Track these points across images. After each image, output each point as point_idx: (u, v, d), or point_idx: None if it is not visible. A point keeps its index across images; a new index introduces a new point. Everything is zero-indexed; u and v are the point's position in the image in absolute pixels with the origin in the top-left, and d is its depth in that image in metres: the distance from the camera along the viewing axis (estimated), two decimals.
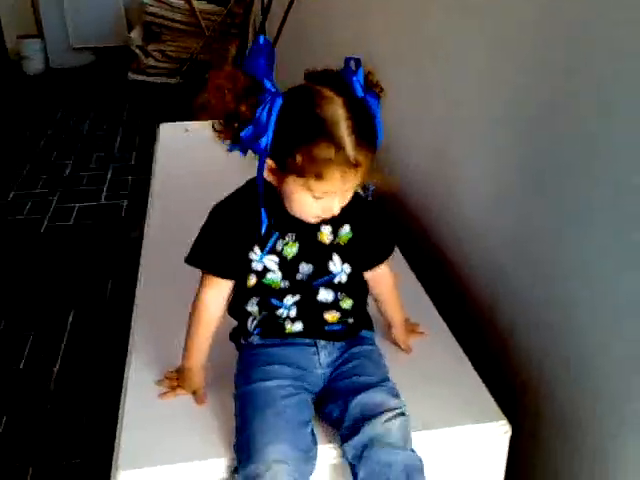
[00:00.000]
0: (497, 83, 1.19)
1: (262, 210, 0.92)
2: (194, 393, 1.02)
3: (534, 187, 1.11)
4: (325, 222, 0.96)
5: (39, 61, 5.11)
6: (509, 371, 1.22)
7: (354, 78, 0.87)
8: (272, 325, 1.00)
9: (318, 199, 0.89)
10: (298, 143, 0.85)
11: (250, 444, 0.87)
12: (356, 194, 0.98)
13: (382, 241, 1.07)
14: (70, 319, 2.21)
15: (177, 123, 2.25)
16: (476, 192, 1.35)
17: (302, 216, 0.92)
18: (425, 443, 0.94)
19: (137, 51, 4.79)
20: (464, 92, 1.35)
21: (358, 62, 0.89)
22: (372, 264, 1.06)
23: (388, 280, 1.09)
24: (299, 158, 0.85)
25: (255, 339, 1.01)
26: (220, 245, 0.96)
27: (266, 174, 0.90)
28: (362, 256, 1.02)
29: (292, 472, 0.86)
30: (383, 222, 1.07)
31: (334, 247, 0.99)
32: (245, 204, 0.95)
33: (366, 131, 0.87)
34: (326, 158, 0.84)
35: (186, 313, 0.99)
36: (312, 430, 0.93)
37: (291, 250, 0.96)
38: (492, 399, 1.02)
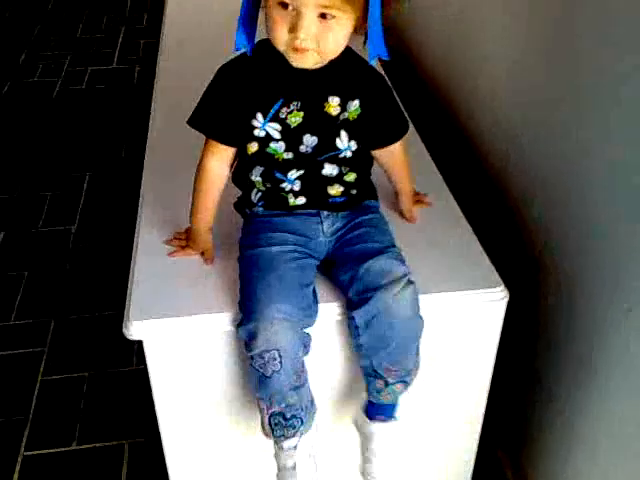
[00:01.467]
0: None
1: (240, 32, 0.90)
2: (202, 254, 1.06)
3: (549, 55, 1.08)
4: (333, 92, 0.93)
5: None
6: (515, 243, 1.24)
7: None
8: (275, 198, 1.00)
9: (285, 13, 0.84)
10: None
11: (252, 303, 0.91)
12: (368, 67, 0.95)
13: (394, 121, 1.03)
14: (86, 180, 2.26)
15: None
16: (492, 57, 1.31)
17: (276, 43, 0.87)
18: (424, 307, 0.96)
19: None
20: None
21: None
22: (382, 144, 1.04)
23: (399, 156, 1.08)
24: None
25: (259, 210, 1.02)
26: (222, 109, 0.94)
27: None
28: (371, 134, 1.00)
29: (291, 324, 0.90)
30: (395, 99, 1.02)
31: (342, 122, 0.96)
32: (251, 66, 0.93)
33: None
34: None
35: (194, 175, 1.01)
36: (314, 290, 0.96)
37: (295, 119, 0.94)
38: (492, 266, 1.04)
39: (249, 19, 0.90)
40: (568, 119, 1.04)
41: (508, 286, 1.02)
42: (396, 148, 1.06)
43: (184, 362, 0.99)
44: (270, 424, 0.94)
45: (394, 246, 1.01)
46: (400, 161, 1.08)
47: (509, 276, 1.06)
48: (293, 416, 0.94)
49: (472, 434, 1.19)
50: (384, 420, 1.00)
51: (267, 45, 0.89)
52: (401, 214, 1.14)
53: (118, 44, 3.23)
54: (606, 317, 0.98)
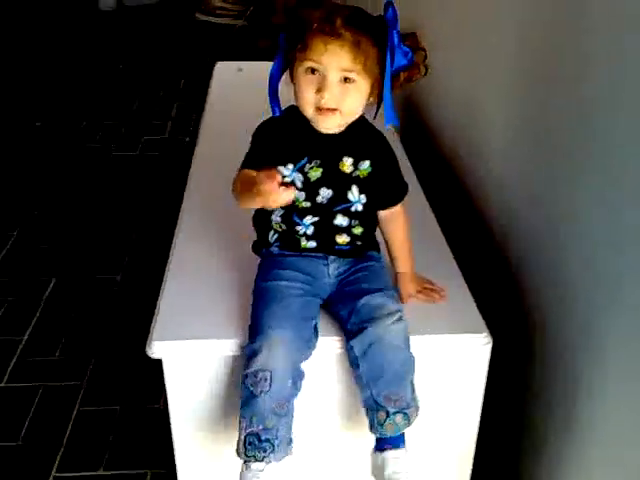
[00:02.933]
0: (524, 36, 1.29)
1: (272, 101, 1.08)
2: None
3: (544, 137, 1.21)
4: (347, 154, 1.10)
5: None
6: (507, 296, 1.36)
7: (394, 30, 1.01)
8: (290, 239, 1.14)
9: (313, 77, 1.01)
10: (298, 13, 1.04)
11: (259, 326, 1.05)
12: (377, 133, 1.12)
13: (397, 182, 1.17)
14: (132, 239, 2.46)
15: (232, 62, 2.42)
16: (496, 137, 1.46)
17: (305, 107, 1.04)
18: (413, 347, 1.08)
19: None
20: (492, 40, 1.46)
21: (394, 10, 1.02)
22: (386, 203, 1.17)
23: (400, 220, 1.19)
24: (293, 27, 1.02)
25: (274, 250, 1.16)
26: (258, 154, 1.10)
27: (285, 78, 1.06)
28: (378, 192, 1.14)
29: (289, 350, 1.03)
30: (398, 164, 1.17)
31: (354, 179, 1.11)
32: (282, 127, 1.10)
33: (367, 25, 1.00)
34: (309, 18, 1.00)
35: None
36: (315, 326, 1.10)
37: (315, 174, 1.09)
38: (479, 314, 1.16)
39: (277, 93, 1.09)
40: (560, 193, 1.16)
41: (497, 335, 1.13)
42: (399, 211, 1.19)
43: (197, 381, 1.14)
44: (245, 443, 1.01)
45: (390, 288, 1.15)
46: (401, 227, 1.20)
47: (498, 325, 1.17)
48: (267, 440, 1.01)
49: (462, 476, 1.28)
50: (393, 448, 1.06)
51: (295, 111, 1.08)
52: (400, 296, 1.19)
53: (171, 116, 3.52)
54: (585, 370, 1.07)
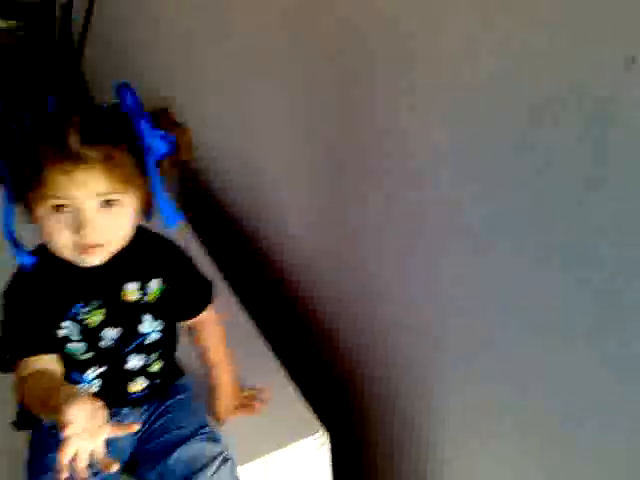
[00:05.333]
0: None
1: (17, 251, 0.84)
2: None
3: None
4: (130, 279, 0.90)
5: None
6: (332, 384, 1.28)
7: (140, 119, 0.81)
8: None
9: (63, 216, 0.80)
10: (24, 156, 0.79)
11: None
12: (167, 242, 0.95)
13: (199, 289, 0.99)
14: None
15: None
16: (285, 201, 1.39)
17: (62, 251, 0.83)
18: (256, 471, 0.96)
19: None
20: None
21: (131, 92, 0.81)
22: (190, 313, 0.99)
23: (212, 326, 1.01)
24: (25, 171, 0.79)
25: (47, 422, 0.88)
26: (21, 328, 0.86)
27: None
28: (178, 309, 0.96)
29: None
30: (196, 269, 0.99)
31: (143, 306, 0.91)
32: (36, 279, 0.88)
33: (109, 128, 0.80)
34: (42, 158, 0.77)
35: None
36: None
37: (95, 318, 0.89)
38: (309, 412, 1.06)
39: (17, 239, 0.85)
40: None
41: (332, 426, 1.04)
42: (207, 316, 1.01)
43: None
44: None
45: (206, 426, 0.96)
46: (214, 333, 1.02)
47: (331, 414, 1.09)
48: None
49: None
50: None
51: (46, 251, 0.86)
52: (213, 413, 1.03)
53: None
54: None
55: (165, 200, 0.85)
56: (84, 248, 0.82)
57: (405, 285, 1.02)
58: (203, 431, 0.94)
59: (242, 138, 1.57)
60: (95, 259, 0.85)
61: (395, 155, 0.95)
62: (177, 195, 0.91)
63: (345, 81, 1.02)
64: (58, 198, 0.79)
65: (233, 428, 1.00)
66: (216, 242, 1.60)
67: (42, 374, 0.82)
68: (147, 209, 0.88)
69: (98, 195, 0.80)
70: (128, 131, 0.81)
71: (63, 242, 0.82)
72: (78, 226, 0.80)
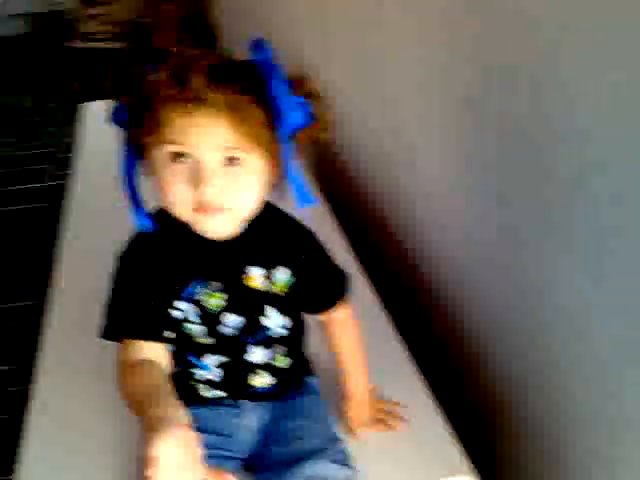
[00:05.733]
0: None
1: (137, 212, 0.75)
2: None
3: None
4: (253, 262, 0.80)
5: None
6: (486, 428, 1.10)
7: (275, 80, 0.70)
8: (183, 386, 0.80)
9: (181, 166, 0.70)
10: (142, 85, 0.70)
11: None
12: (297, 226, 0.83)
13: (330, 281, 0.88)
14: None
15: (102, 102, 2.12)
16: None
17: (178, 209, 0.73)
18: None
19: (76, 16, 4.56)
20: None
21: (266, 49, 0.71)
22: (320, 307, 0.88)
23: (345, 326, 0.90)
24: (142, 110, 0.70)
25: None
26: (132, 303, 0.78)
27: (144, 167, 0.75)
28: (307, 303, 0.86)
29: None
30: (328, 257, 0.87)
31: (268, 297, 0.82)
32: (157, 241, 0.79)
33: (241, 76, 0.70)
34: (161, 95, 0.68)
35: None
36: None
37: (214, 301, 0.80)
38: (456, 447, 0.91)
39: (138, 198, 0.76)
40: None
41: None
42: (341, 314, 0.89)
43: None
44: None
45: (336, 440, 0.85)
46: (347, 334, 0.90)
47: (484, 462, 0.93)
48: None
49: None
50: None
51: (166, 217, 0.76)
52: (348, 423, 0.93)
53: (54, 160, 3.17)
54: None
55: (297, 176, 0.74)
56: (203, 207, 0.72)
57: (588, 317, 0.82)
58: (334, 449, 0.83)
59: (387, 120, 1.43)
60: (217, 225, 0.74)
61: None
62: (313, 175, 0.79)
63: None
64: (176, 143, 0.70)
65: (364, 449, 0.88)
66: (353, 231, 1.49)
67: (146, 372, 0.73)
68: (277, 183, 0.77)
69: (220, 147, 0.70)
70: (261, 88, 0.70)
71: (180, 197, 0.72)
72: (198, 181, 0.70)
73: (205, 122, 0.68)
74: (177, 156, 0.71)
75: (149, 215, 0.77)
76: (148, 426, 0.61)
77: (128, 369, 0.74)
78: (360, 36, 1.49)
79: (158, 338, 0.78)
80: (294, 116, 0.71)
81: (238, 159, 0.71)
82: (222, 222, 0.74)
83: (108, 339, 0.79)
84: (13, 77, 4.22)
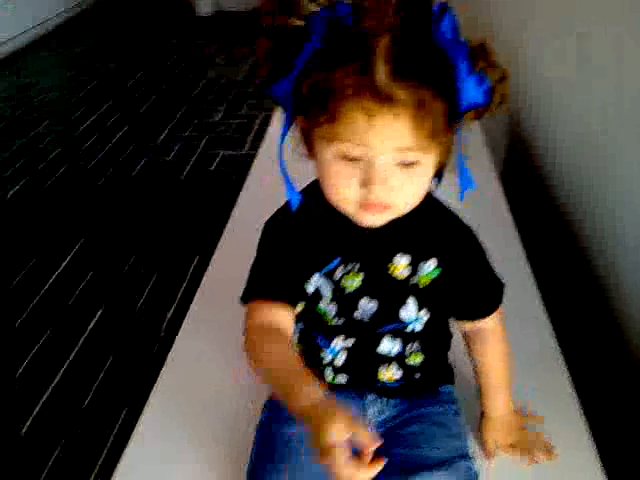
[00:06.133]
0: None
1: (291, 188, 0.72)
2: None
3: None
4: (402, 249, 0.76)
5: (209, 2, 5.24)
6: None
7: (462, 59, 0.63)
8: (309, 368, 0.74)
9: (352, 167, 0.66)
10: (317, 69, 0.63)
11: None
12: (455, 219, 0.78)
13: (483, 288, 0.81)
14: (193, 264, 2.27)
15: None
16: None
17: (340, 203, 0.70)
18: None
19: None
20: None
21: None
22: (467, 315, 0.82)
23: (491, 340, 0.83)
24: (313, 89, 0.63)
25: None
26: (273, 268, 0.77)
27: (299, 148, 0.71)
28: (451, 304, 0.81)
29: None
30: (486, 259, 0.81)
31: (410, 288, 0.77)
32: (301, 220, 0.77)
33: (426, 63, 0.62)
34: (339, 87, 0.61)
35: None
36: None
37: (352, 282, 0.76)
38: None
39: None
40: None
41: None
42: (489, 327, 0.82)
43: None
44: None
45: (464, 457, 0.78)
46: (492, 350, 0.83)
47: None
48: None
49: None
50: None
51: (319, 192, 0.73)
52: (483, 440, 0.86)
53: (252, 130, 3.34)
54: None
55: (464, 162, 0.69)
56: (368, 205, 0.68)
57: None
58: (459, 463, 0.76)
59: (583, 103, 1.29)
60: (376, 220, 0.71)
61: None
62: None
63: None
64: (350, 144, 0.65)
65: (499, 473, 0.81)
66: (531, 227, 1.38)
67: (282, 344, 0.71)
68: (440, 172, 0.72)
69: (397, 149, 0.65)
70: (442, 69, 0.64)
71: (346, 195, 0.69)
72: (369, 181, 0.66)
73: (384, 122, 0.62)
74: (349, 157, 0.66)
75: (300, 192, 0.75)
76: (303, 410, 0.60)
77: (262, 335, 0.72)
78: None
79: (293, 302, 0.75)
80: (473, 96, 0.65)
81: (414, 163, 0.67)
82: (384, 218, 0.72)
83: (246, 301, 0.77)
84: (235, 50, 4.49)
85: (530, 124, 1.65)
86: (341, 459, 0.56)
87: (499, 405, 0.85)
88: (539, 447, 0.85)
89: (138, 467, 0.88)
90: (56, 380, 1.78)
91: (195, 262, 2.28)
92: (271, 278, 0.75)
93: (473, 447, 0.84)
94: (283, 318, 0.73)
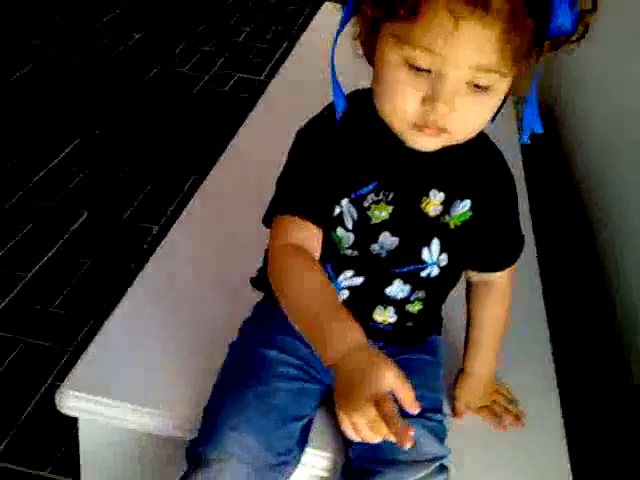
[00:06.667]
0: None
1: (338, 92, 0.64)
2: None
3: None
4: (437, 185, 0.69)
5: None
6: None
7: None
8: None
9: (419, 78, 0.58)
10: None
11: (214, 421, 0.69)
12: (497, 157, 0.72)
13: (507, 238, 0.77)
14: (188, 184, 2.20)
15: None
16: None
17: (392, 117, 0.62)
18: None
19: None
20: None
21: None
22: (482, 265, 0.78)
23: (498, 295, 0.80)
24: None
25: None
26: (305, 183, 0.69)
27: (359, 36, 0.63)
28: (473, 250, 0.75)
29: (254, 470, 0.67)
30: (517, 212, 0.77)
31: (438, 227, 0.71)
32: (345, 127, 0.67)
33: None
34: None
35: None
36: (304, 427, 0.74)
37: (379, 213, 0.69)
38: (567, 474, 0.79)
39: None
40: None
41: None
42: (501, 281, 0.79)
43: (117, 459, 0.86)
44: None
45: (439, 411, 0.75)
46: (496, 305, 0.80)
47: None
48: None
49: None
50: None
51: (364, 104, 0.65)
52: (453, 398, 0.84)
53: (274, 58, 3.21)
54: None
55: (534, 97, 0.62)
56: (424, 125, 0.61)
57: None
58: (433, 418, 0.74)
59: None
60: (429, 144, 0.64)
61: None
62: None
63: None
64: (424, 51, 0.56)
65: (464, 436, 0.79)
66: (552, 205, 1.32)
67: (307, 265, 0.64)
68: (499, 109, 0.64)
69: (473, 68, 0.57)
70: None
71: (403, 108, 0.60)
72: (434, 98, 0.58)
73: (473, 32, 0.54)
74: (417, 66, 0.58)
75: (346, 97, 0.66)
76: (345, 353, 0.54)
77: (293, 258, 0.64)
78: None
79: (321, 222, 0.68)
80: (563, 22, 0.56)
81: (488, 87, 0.59)
82: (437, 143, 0.64)
83: (271, 219, 0.70)
84: None
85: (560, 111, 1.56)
86: (393, 409, 0.50)
87: (483, 363, 0.82)
88: (508, 412, 0.83)
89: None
90: (27, 277, 1.72)
91: (190, 182, 2.20)
92: (304, 193, 0.67)
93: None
94: (314, 242, 0.67)
